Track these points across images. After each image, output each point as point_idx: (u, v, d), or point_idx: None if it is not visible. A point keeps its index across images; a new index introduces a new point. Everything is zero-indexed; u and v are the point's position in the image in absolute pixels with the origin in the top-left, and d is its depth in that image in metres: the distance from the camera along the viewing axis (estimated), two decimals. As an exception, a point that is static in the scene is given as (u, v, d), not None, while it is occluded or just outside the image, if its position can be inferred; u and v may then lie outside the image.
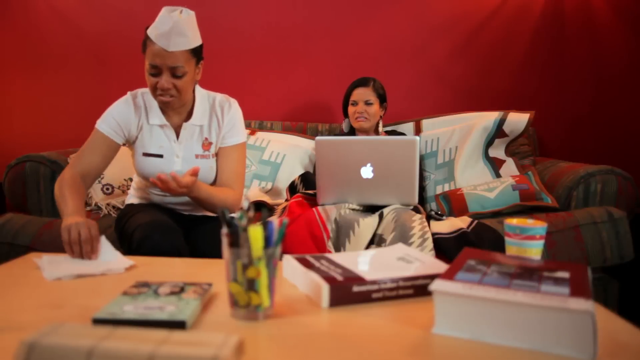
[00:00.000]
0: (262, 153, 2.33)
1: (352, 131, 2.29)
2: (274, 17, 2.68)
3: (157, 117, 1.52)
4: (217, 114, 1.57)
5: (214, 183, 1.59)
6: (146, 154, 1.52)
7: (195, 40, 1.44)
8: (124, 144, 1.57)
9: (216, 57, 2.54)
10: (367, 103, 2.16)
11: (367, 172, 1.70)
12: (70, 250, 1.16)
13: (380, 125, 2.24)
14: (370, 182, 1.70)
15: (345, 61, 2.68)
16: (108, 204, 1.97)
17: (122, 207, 1.92)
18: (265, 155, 2.32)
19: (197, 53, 1.47)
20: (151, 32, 1.39)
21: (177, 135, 1.54)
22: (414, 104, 2.66)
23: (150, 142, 1.53)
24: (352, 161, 1.70)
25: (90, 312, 0.77)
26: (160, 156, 1.52)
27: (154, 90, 1.44)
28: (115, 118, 1.51)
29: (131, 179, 2.04)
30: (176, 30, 1.36)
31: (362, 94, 2.16)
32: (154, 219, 1.43)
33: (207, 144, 1.55)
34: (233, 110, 1.58)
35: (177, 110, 1.54)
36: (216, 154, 1.59)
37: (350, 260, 1.00)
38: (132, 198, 1.69)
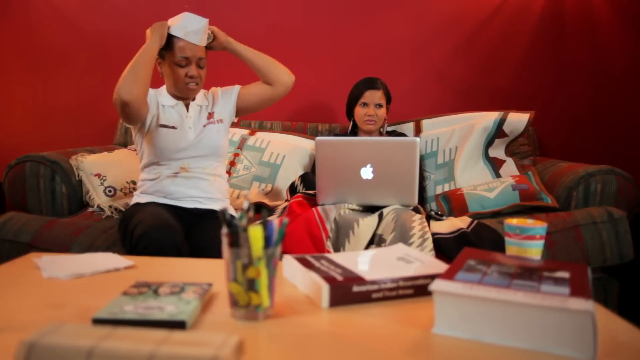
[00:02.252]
0: (261, 154, 2.33)
1: (353, 131, 2.29)
2: (274, 18, 2.68)
3: (168, 99, 1.75)
4: (211, 96, 1.85)
5: (222, 150, 1.79)
6: (162, 125, 1.70)
7: None
8: (134, 125, 1.70)
9: (217, 57, 2.54)
10: (378, 106, 2.15)
11: (367, 172, 1.70)
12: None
13: (385, 125, 2.24)
14: (370, 183, 1.70)
15: (345, 61, 2.68)
16: (110, 206, 1.98)
17: (123, 209, 1.94)
18: (265, 157, 2.32)
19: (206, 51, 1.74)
20: (178, 31, 1.64)
21: (187, 111, 1.76)
22: (414, 104, 2.66)
23: (164, 117, 1.71)
24: (352, 162, 1.70)
25: (90, 312, 0.77)
26: (174, 127, 1.70)
27: (182, 80, 1.67)
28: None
29: (134, 182, 2.05)
30: (204, 29, 1.67)
31: (373, 96, 2.14)
32: (155, 216, 1.48)
33: (210, 115, 1.79)
34: (214, 89, 1.88)
35: (186, 97, 1.76)
36: (222, 121, 1.80)
37: (350, 260, 1.00)
38: (137, 198, 1.74)
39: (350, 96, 2.22)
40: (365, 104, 2.15)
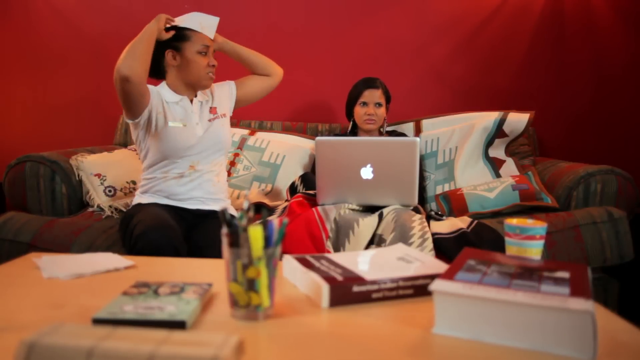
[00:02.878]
0: (261, 154, 2.33)
1: (353, 131, 2.29)
2: (274, 18, 2.68)
3: (171, 95, 1.74)
4: (209, 92, 1.85)
5: (228, 143, 1.83)
6: (171, 123, 1.69)
7: None
8: (137, 121, 1.67)
9: (217, 57, 2.55)
10: (378, 105, 2.14)
11: (367, 172, 1.70)
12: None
13: (385, 125, 2.24)
14: (370, 183, 1.70)
15: (345, 61, 2.68)
16: (110, 206, 1.98)
17: (124, 209, 1.94)
18: (265, 157, 2.32)
19: None
20: (194, 24, 1.69)
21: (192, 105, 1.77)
22: (414, 104, 2.66)
23: (170, 114, 1.71)
24: (352, 162, 1.70)
25: (90, 312, 0.77)
26: (184, 125, 1.71)
27: (204, 69, 1.70)
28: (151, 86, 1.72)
29: (134, 182, 2.05)
30: (216, 27, 1.73)
31: (373, 95, 2.14)
32: (154, 217, 1.48)
33: (212, 109, 1.81)
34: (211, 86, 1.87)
35: (191, 93, 1.78)
36: (225, 115, 1.83)
37: (350, 260, 1.00)
38: (139, 198, 1.74)
39: (349, 96, 2.22)
40: (364, 103, 2.15)
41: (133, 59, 1.55)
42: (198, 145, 1.70)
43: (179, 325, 0.74)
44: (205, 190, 1.72)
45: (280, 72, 1.96)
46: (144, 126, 1.68)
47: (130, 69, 1.54)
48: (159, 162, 1.71)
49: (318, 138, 1.71)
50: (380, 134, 2.24)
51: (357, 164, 1.69)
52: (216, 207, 1.73)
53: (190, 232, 1.62)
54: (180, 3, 2.50)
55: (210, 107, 1.80)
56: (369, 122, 2.14)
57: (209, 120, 1.77)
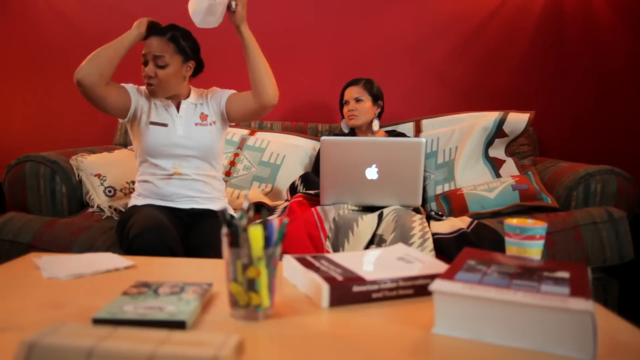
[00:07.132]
0: (261, 154, 2.33)
1: (352, 131, 2.29)
2: (274, 18, 2.68)
3: (162, 98, 1.74)
4: (205, 96, 1.80)
5: (214, 152, 1.76)
6: (152, 122, 1.70)
7: (184, 37, 1.69)
8: (126, 120, 1.72)
9: (218, 58, 2.55)
10: (357, 100, 2.18)
11: (372, 173, 1.69)
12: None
13: (376, 123, 2.22)
14: (374, 183, 1.70)
15: (345, 61, 2.68)
16: (110, 207, 1.98)
17: (123, 209, 1.94)
18: (265, 157, 2.32)
19: (183, 51, 1.68)
20: (190, 8, 1.64)
21: (178, 110, 1.74)
22: (414, 104, 2.66)
23: (156, 114, 1.72)
24: (358, 162, 1.69)
25: (90, 312, 0.77)
26: (165, 125, 1.70)
27: (144, 79, 1.66)
28: (132, 86, 1.74)
29: (134, 182, 2.06)
30: (205, 10, 1.60)
31: (351, 92, 2.20)
32: (148, 218, 1.49)
33: (203, 116, 1.76)
34: (213, 89, 1.83)
35: (176, 97, 1.74)
36: (215, 122, 1.77)
37: (351, 260, 1.00)
38: (135, 200, 1.75)
39: (339, 98, 2.27)
40: (346, 102, 2.22)
41: (91, 63, 1.58)
42: (179, 147, 1.69)
43: (179, 325, 0.74)
44: (197, 189, 1.72)
45: (268, 97, 1.65)
46: (133, 124, 1.73)
47: (84, 74, 1.56)
48: (144, 162, 1.73)
49: (323, 138, 1.70)
50: (372, 131, 2.23)
51: (362, 164, 1.69)
52: (211, 205, 1.73)
53: (187, 233, 1.62)
54: (180, 2, 2.49)
55: (201, 113, 1.76)
56: (351, 118, 2.19)
57: (195, 125, 1.73)
